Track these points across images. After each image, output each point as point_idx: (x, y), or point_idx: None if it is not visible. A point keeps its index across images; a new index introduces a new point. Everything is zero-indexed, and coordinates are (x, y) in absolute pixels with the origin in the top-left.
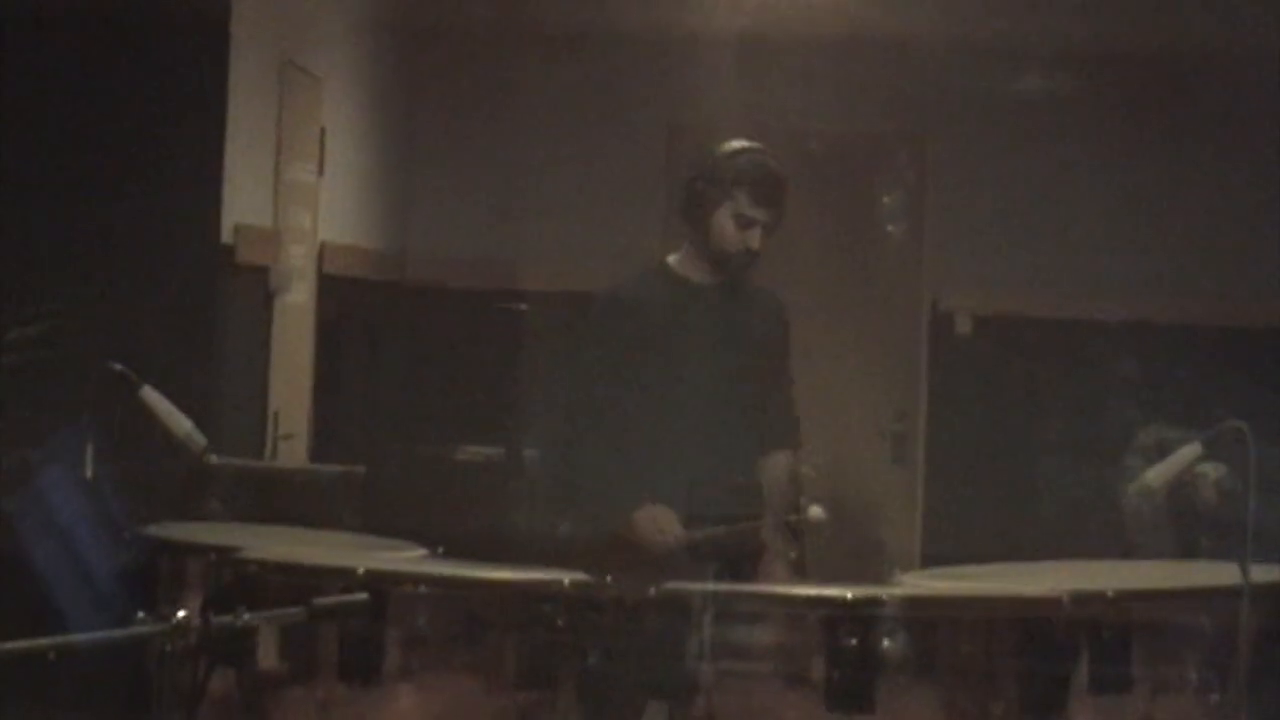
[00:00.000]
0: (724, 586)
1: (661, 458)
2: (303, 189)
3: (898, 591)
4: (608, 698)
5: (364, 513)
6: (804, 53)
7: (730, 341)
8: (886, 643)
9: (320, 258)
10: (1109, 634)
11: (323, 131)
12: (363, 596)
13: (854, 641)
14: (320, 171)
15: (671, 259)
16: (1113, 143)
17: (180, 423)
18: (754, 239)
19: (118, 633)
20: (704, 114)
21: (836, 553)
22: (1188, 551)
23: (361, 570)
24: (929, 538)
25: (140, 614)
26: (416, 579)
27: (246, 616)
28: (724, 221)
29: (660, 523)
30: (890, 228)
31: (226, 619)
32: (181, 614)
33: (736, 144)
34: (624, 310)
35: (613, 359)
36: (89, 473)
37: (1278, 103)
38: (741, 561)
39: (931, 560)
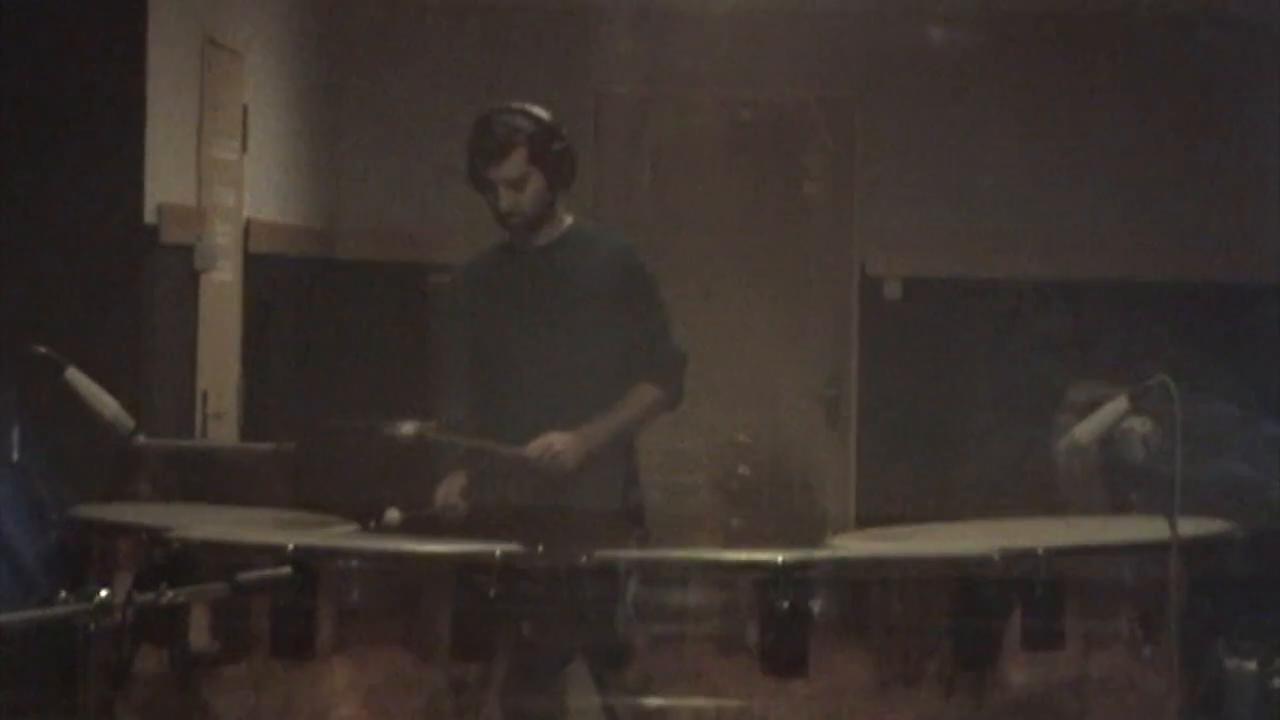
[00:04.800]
0: (656, 553)
1: (511, 414)
2: (226, 167)
3: (829, 554)
4: (540, 666)
5: (296, 489)
6: (732, 19)
7: (553, 294)
8: (819, 605)
9: (246, 235)
10: (1040, 591)
11: (245, 108)
12: (288, 571)
13: (786, 605)
14: (244, 148)
15: None
16: (1038, 105)
17: (107, 404)
18: (495, 200)
19: (39, 612)
20: (632, 82)
21: (772, 517)
22: (1119, 507)
23: (292, 546)
24: (863, 500)
25: (62, 594)
26: (348, 554)
27: (170, 594)
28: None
29: (445, 492)
30: (817, 192)
31: (150, 596)
32: (104, 593)
33: None
34: (461, 283)
35: (459, 329)
36: (15, 456)
37: (1201, 60)
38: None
39: (867, 523)
